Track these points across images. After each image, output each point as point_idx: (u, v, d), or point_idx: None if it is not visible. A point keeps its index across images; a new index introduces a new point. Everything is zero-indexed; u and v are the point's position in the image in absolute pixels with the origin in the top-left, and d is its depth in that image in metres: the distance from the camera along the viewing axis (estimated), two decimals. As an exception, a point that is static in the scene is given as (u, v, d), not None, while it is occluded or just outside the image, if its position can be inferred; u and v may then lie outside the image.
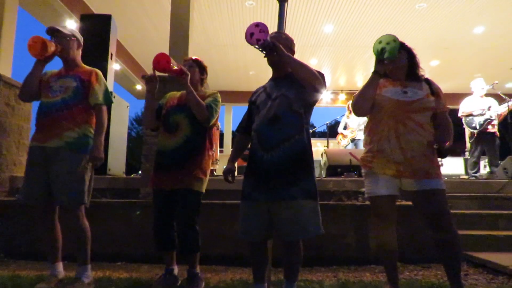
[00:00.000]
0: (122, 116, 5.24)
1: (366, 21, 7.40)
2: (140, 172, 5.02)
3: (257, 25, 1.98)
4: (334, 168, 5.06)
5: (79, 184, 2.43)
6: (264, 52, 2.06)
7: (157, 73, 2.43)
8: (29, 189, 2.42)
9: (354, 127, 7.39)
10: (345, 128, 7.55)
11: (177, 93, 2.68)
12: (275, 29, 2.59)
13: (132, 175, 5.84)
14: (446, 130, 2.16)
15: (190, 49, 4.77)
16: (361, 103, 2.18)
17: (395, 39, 2.04)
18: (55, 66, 2.68)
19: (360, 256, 3.29)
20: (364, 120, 7.36)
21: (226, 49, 8.92)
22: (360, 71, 10.50)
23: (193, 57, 2.72)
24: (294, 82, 2.11)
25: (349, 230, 3.40)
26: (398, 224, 2.22)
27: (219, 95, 2.60)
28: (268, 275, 2.22)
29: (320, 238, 2.09)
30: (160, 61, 2.33)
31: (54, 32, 2.52)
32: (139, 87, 10.86)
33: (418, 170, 2.07)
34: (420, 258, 3.19)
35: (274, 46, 2.02)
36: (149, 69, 6.42)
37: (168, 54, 2.41)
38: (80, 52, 2.68)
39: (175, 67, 2.39)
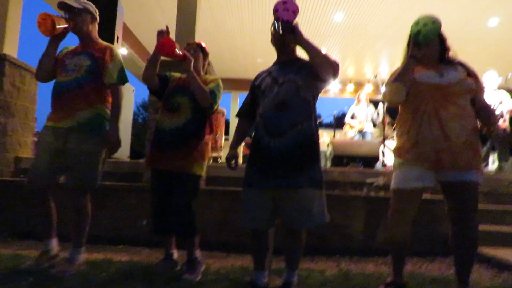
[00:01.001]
0: (127, 100, 5.22)
1: (377, 10, 7.21)
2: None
3: (285, 2, 1.91)
4: (340, 159, 5.02)
5: (92, 167, 2.37)
6: (282, 31, 1.98)
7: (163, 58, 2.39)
8: (36, 170, 2.36)
9: (362, 118, 7.28)
10: (352, 117, 7.44)
11: (179, 74, 2.62)
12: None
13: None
14: (491, 112, 2.01)
15: (196, 34, 4.70)
16: (396, 90, 2.02)
17: (434, 21, 1.89)
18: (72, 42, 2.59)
19: (362, 247, 3.26)
20: (371, 111, 7.26)
21: (233, 36, 8.78)
22: (370, 62, 10.31)
23: (197, 42, 2.67)
24: (301, 68, 2.06)
25: (353, 221, 3.37)
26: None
27: (220, 80, 2.56)
28: (269, 263, 2.20)
29: (323, 228, 2.06)
30: (164, 45, 2.28)
31: (65, 7, 2.39)
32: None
33: (459, 161, 1.91)
34: (424, 251, 3.14)
35: (294, 28, 1.96)
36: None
37: (174, 39, 2.36)
38: (95, 26, 2.54)
39: (179, 52, 2.33)
